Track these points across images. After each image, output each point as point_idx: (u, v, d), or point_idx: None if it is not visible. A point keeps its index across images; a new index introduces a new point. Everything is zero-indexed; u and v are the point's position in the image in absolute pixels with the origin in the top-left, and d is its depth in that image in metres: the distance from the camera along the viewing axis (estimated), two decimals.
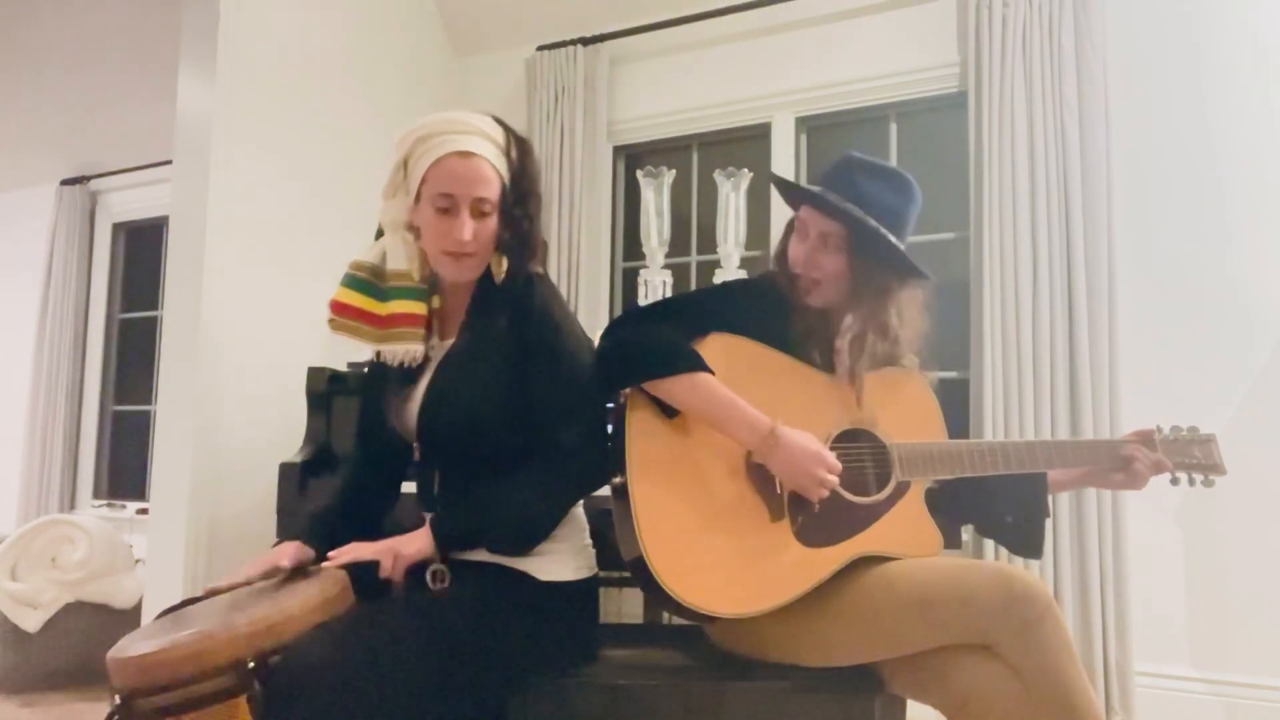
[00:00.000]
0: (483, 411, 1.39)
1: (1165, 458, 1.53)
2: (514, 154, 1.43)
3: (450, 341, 1.48)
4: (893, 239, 1.44)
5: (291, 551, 1.35)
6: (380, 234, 1.49)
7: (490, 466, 1.40)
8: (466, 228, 1.37)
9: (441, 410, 1.42)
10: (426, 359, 1.48)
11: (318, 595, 1.19)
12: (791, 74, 3.01)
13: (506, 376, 1.40)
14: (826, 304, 1.51)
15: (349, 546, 1.32)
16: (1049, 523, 2.38)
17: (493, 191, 1.39)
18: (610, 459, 1.38)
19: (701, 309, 1.48)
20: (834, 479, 1.35)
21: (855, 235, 1.45)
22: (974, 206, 2.63)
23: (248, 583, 1.31)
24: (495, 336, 1.42)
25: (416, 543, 1.32)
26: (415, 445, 1.46)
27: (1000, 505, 1.58)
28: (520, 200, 1.43)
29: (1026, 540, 1.57)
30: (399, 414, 1.48)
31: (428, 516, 1.39)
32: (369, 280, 1.46)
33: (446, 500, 1.43)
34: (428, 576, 1.31)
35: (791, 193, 1.57)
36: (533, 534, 1.38)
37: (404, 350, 1.45)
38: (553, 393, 1.39)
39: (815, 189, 1.49)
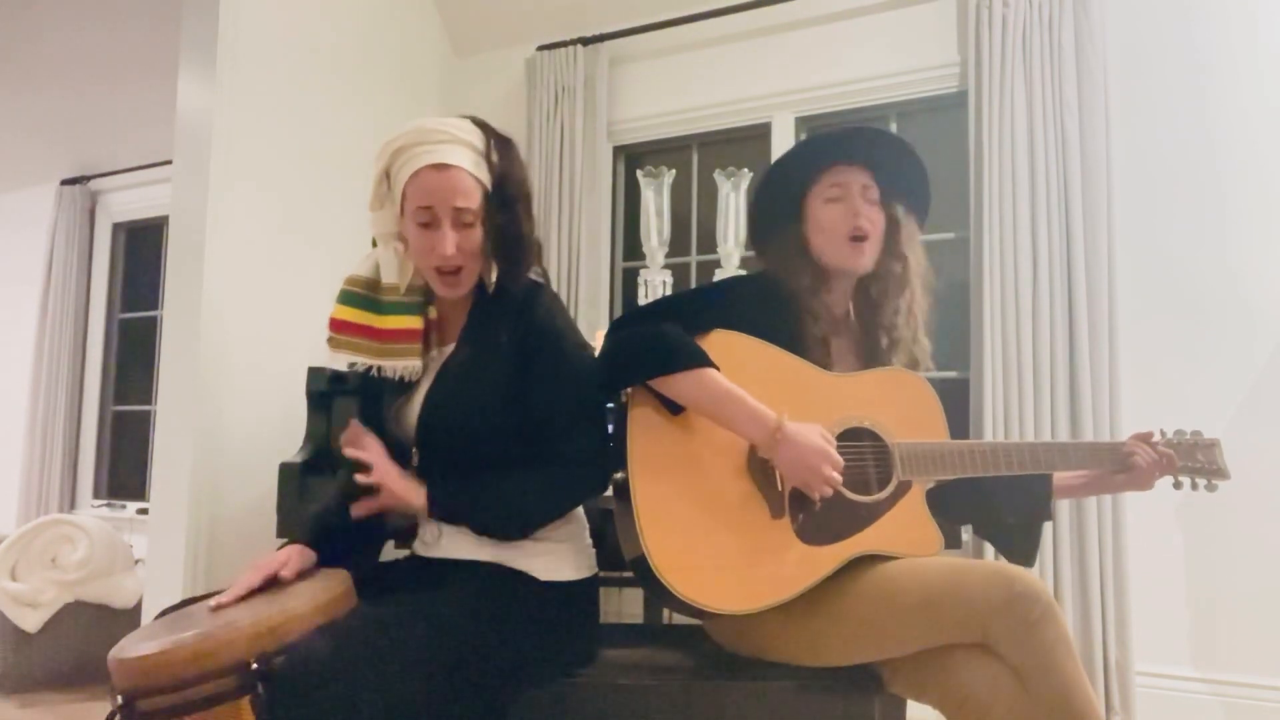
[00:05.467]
0: (481, 421, 1.39)
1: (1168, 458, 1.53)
2: (495, 157, 1.41)
3: (450, 348, 1.47)
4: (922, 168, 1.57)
5: (293, 556, 1.34)
6: (376, 243, 1.49)
7: (489, 473, 1.40)
8: (449, 240, 1.36)
9: (440, 419, 1.41)
10: (426, 367, 1.48)
11: (321, 596, 1.19)
12: (791, 74, 3.01)
13: (506, 387, 1.40)
14: (868, 267, 1.53)
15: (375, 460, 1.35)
16: (1049, 525, 2.41)
17: (473, 200, 1.38)
18: (611, 466, 1.38)
19: (703, 306, 1.47)
20: (838, 476, 1.35)
21: (885, 178, 1.54)
22: (974, 206, 2.63)
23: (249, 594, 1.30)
24: (496, 346, 1.42)
25: (411, 495, 1.36)
26: (414, 450, 1.46)
27: (1003, 506, 1.58)
28: (506, 204, 1.41)
29: (1023, 545, 1.57)
30: (398, 419, 1.48)
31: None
32: (365, 294, 1.46)
33: None
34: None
35: (820, 151, 1.56)
36: (524, 522, 1.38)
37: (403, 365, 1.45)
38: (554, 404, 1.39)
39: (845, 128, 1.57)
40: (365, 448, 1.37)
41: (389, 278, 1.45)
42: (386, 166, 1.40)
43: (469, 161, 1.38)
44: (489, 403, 1.39)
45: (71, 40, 3.67)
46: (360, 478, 1.35)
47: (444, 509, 1.37)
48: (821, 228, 1.52)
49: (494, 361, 1.41)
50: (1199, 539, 2.40)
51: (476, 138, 1.41)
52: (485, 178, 1.40)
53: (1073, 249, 2.47)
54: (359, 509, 1.36)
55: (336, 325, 1.45)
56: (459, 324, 1.48)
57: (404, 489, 1.35)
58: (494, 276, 1.44)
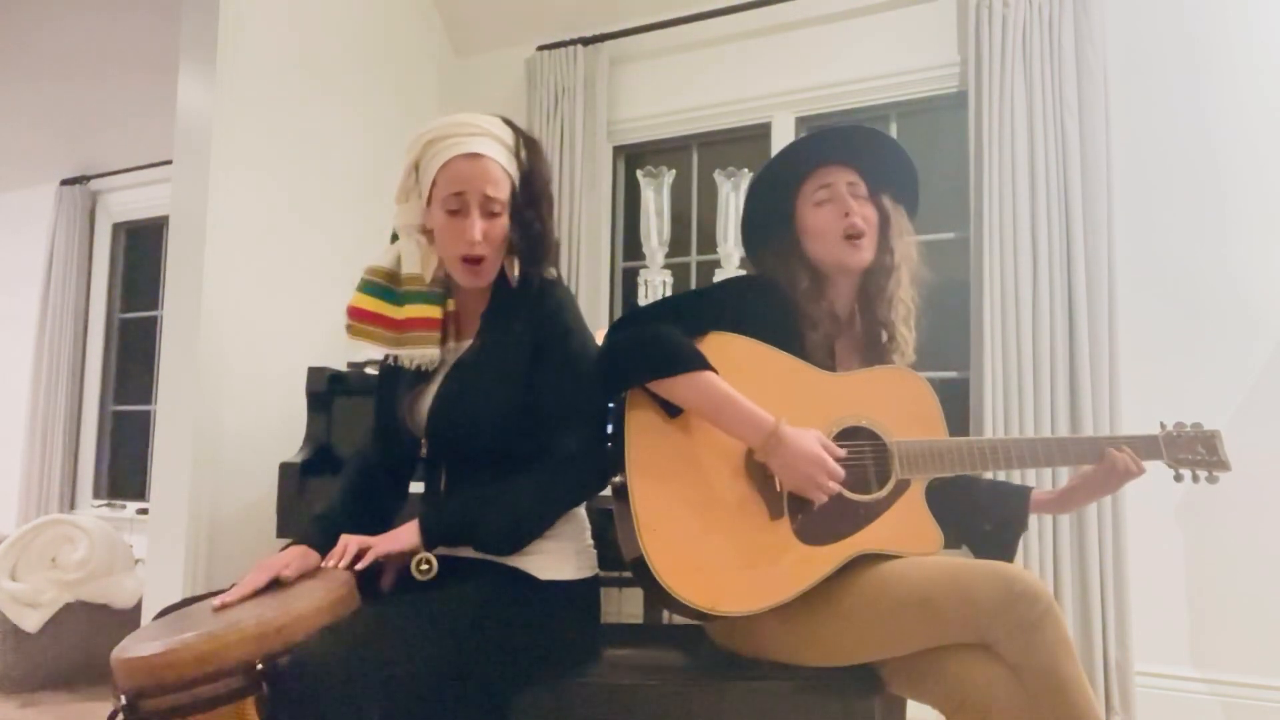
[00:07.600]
0: (492, 415, 1.40)
1: (1164, 452, 1.52)
2: (523, 155, 1.45)
3: (466, 342, 1.49)
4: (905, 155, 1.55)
5: (296, 558, 1.33)
6: (395, 238, 1.50)
7: (497, 468, 1.40)
8: (476, 226, 1.38)
9: (451, 412, 1.42)
10: (442, 360, 1.48)
11: (324, 597, 1.19)
12: (791, 74, 3.02)
13: (518, 381, 1.41)
14: (868, 261, 1.52)
15: (340, 544, 1.32)
16: (1049, 526, 2.42)
17: (502, 191, 1.40)
18: (609, 465, 1.38)
19: (702, 308, 1.48)
20: (834, 485, 1.35)
21: (870, 172, 1.53)
22: (974, 206, 2.63)
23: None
24: (510, 341, 1.43)
25: (405, 539, 1.33)
26: (423, 441, 1.47)
27: (981, 515, 1.58)
28: (531, 201, 1.44)
29: (998, 554, 1.56)
30: (410, 411, 1.49)
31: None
32: (385, 285, 1.47)
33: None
34: (412, 566, 1.30)
35: (802, 155, 1.56)
36: (521, 536, 1.37)
37: (420, 354, 1.45)
38: (557, 398, 1.40)
39: (824, 130, 1.56)
40: (335, 557, 1.31)
41: (411, 268, 1.46)
42: (417, 158, 1.42)
43: (500, 154, 1.41)
44: (500, 397, 1.40)
45: (73, 41, 3.67)
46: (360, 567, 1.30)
47: (440, 538, 1.35)
48: (814, 232, 1.53)
49: (508, 356, 1.42)
50: (1199, 539, 2.40)
51: (506, 134, 1.44)
52: (514, 172, 1.43)
53: (1073, 249, 2.47)
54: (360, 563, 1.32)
55: (355, 313, 1.46)
56: (477, 319, 1.49)
57: (400, 545, 1.32)
58: (515, 272, 1.45)
